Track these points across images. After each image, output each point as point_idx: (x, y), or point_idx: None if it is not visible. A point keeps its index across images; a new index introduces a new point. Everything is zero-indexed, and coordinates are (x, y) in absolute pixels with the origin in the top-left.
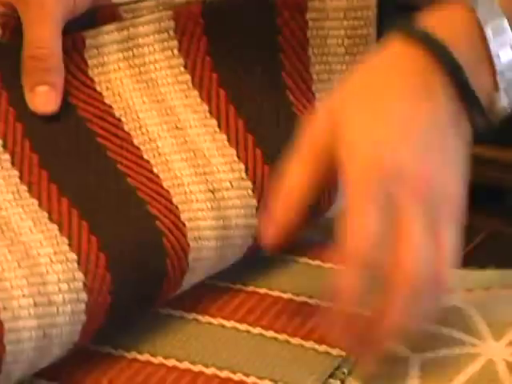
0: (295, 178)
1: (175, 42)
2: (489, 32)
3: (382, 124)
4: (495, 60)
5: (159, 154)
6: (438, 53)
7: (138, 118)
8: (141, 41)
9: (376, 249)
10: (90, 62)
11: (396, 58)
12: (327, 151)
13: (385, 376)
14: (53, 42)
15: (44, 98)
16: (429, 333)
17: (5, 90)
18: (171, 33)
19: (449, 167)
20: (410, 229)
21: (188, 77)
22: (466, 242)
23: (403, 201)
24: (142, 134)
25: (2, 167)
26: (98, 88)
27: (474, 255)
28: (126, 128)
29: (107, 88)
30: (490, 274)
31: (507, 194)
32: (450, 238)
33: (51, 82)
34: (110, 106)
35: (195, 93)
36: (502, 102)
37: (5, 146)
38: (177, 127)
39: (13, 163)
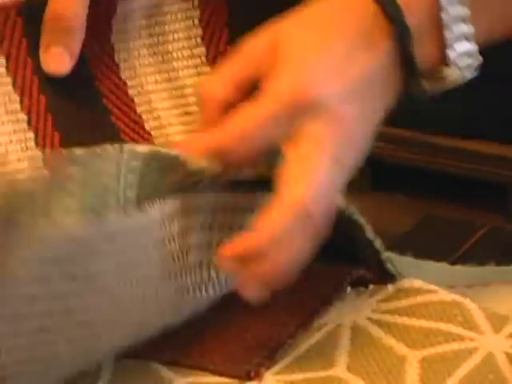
0: (219, 82)
1: (198, 12)
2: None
3: (320, 54)
4: (446, 32)
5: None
6: (393, 14)
7: (150, 100)
8: (166, 9)
9: (249, 145)
10: (114, 28)
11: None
12: (260, 64)
13: (383, 374)
14: (76, 4)
15: (56, 59)
16: (427, 329)
17: (30, 58)
18: (196, 2)
19: (366, 123)
20: (316, 164)
21: (203, 50)
22: (466, 238)
23: (309, 132)
24: (154, 118)
25: (27, 147)
26: (116, 58)
27: (475, 251)
28: (138, 110)
29: (124, 60)
30: (490, 271)
31: (508, 189)
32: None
33: (66, 44)
34: (125, 83)
35: (207, 69)
36: (453, 74)
37: (29, 123)
38: (186, 113)
39: (36, 143)
